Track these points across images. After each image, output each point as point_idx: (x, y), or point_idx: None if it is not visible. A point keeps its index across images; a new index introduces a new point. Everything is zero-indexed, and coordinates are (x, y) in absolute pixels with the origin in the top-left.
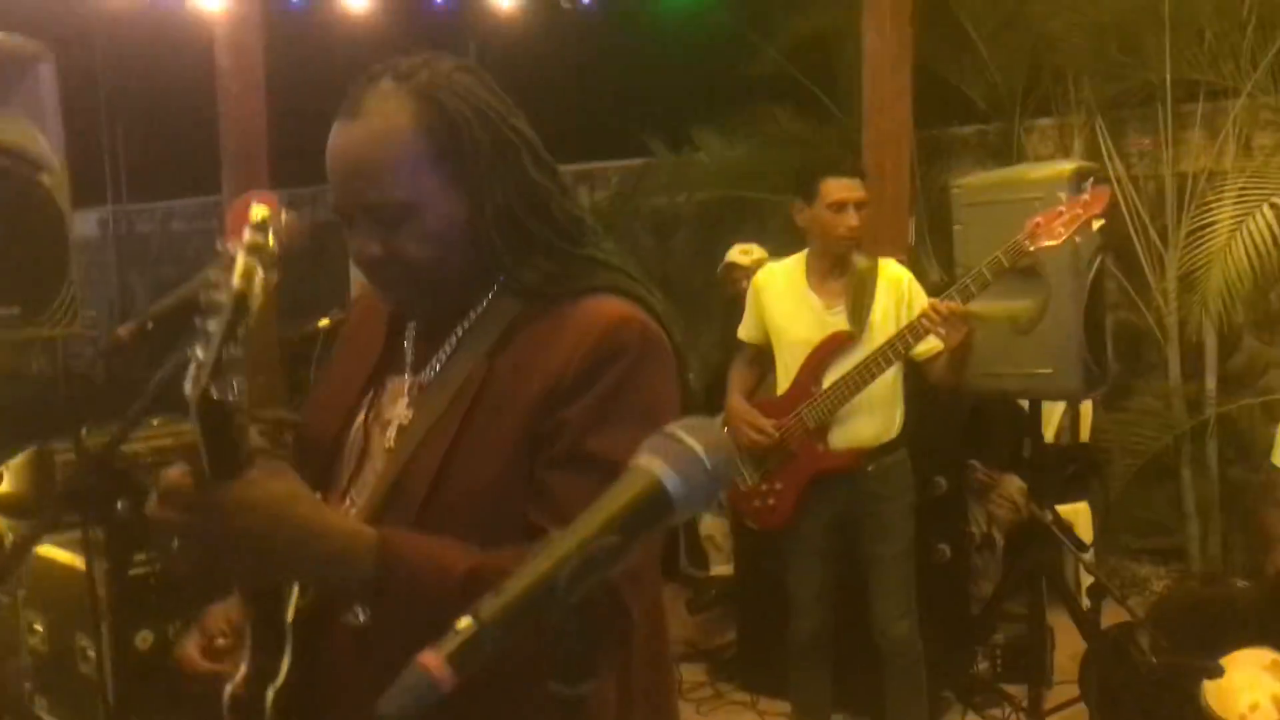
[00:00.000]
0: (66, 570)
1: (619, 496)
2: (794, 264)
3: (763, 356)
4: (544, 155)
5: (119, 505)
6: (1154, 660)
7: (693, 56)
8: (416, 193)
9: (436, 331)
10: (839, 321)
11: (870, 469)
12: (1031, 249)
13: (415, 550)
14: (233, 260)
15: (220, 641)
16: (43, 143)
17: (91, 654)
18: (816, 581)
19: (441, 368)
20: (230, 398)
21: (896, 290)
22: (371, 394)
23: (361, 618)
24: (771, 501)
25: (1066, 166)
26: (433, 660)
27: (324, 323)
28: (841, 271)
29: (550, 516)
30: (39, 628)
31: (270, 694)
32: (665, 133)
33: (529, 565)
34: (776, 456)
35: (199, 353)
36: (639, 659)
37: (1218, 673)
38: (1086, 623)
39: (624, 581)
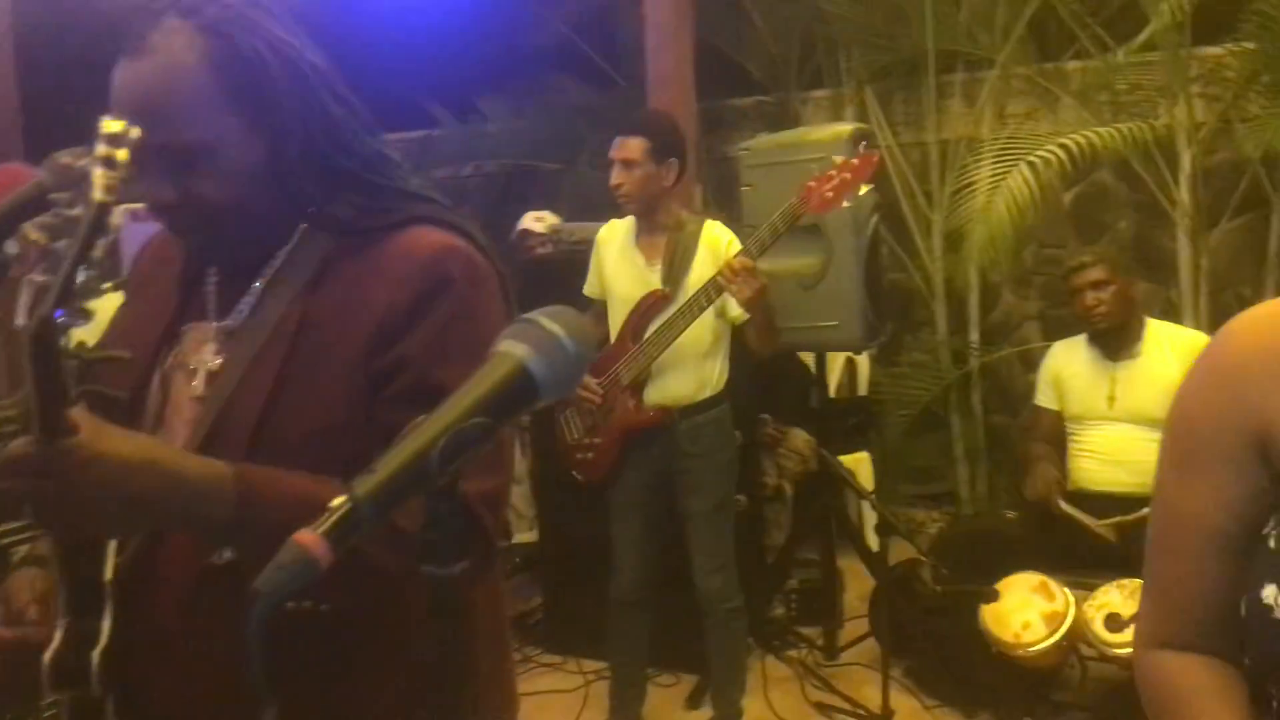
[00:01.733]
0: None
1: (485, 379)
2: (629, 222)
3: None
4: (343, 89)
5: None
6: (936, 590)
7: (477, 25)
8: (210, 131)
9: (241, 274)
10: (657, 280)
11: (682, 426)
12: (803, 212)
13: (276, 482)
14: (80, 175)
15: (31, 611)
16: None
17: None
18: (636, 535)
19: (251, 310)
20: (80, 326)
21: (715, 251)
22: (170, 344)
23: (226, 555)
24: (592, 455)
25: (845, 128)
26: (309, 537)
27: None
28: (663, 230)
29: None
30: None
31: (95, 656)
32: (450, 103)
33: (401, 444)
34: (600, 411)
35: (38, 276)
36: (482, 631)
37: (993, 597)
38: (875, 562)
39: (480, 505)
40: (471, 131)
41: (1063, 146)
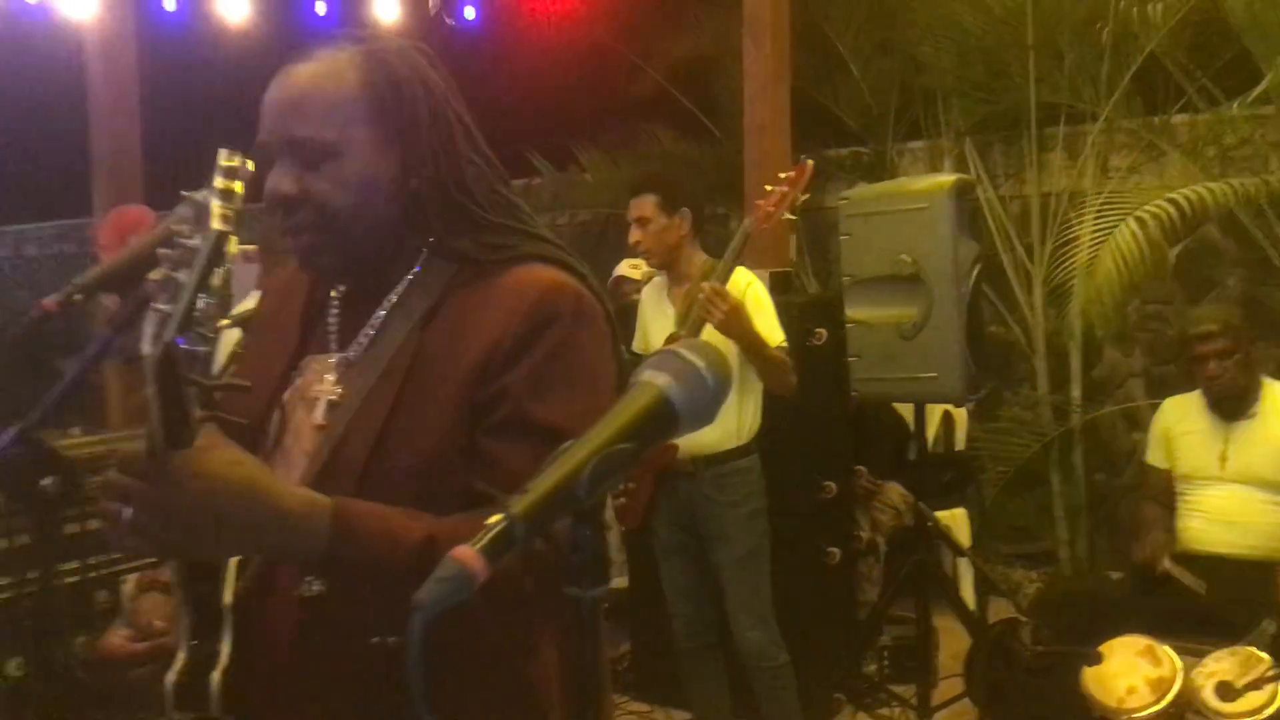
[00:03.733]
0: None
1: (629, 407)
2: (662, 276)
3: None
4: (479, 139)
5: (46, 482)
6: (1036, 650)
7: (576, 76)
8: (343, 136)
9: (361, 305)
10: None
11: (707, 474)
12: (754, 229)
13: (369, 517)
14: (200, 209)
15: (159, 628)
16: None
17: None
18: (680, 579)
19: (370, 341)
20: (202, 351)
21: (734, 293)
22: (292, 376)
23: (315, 588)
24: (626, 501)
25: (946, 179)
26: (467, 553)
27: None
28: (687, 279)
29: (497, 483)
30: None
31: (215, 678)
32: (550, 152)
33: (553, 468)
34: None
35: (163, 305)
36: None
37: (1096, 660)
38: (972, 620)
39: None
40: (569, 180)
41: (1171, 201)
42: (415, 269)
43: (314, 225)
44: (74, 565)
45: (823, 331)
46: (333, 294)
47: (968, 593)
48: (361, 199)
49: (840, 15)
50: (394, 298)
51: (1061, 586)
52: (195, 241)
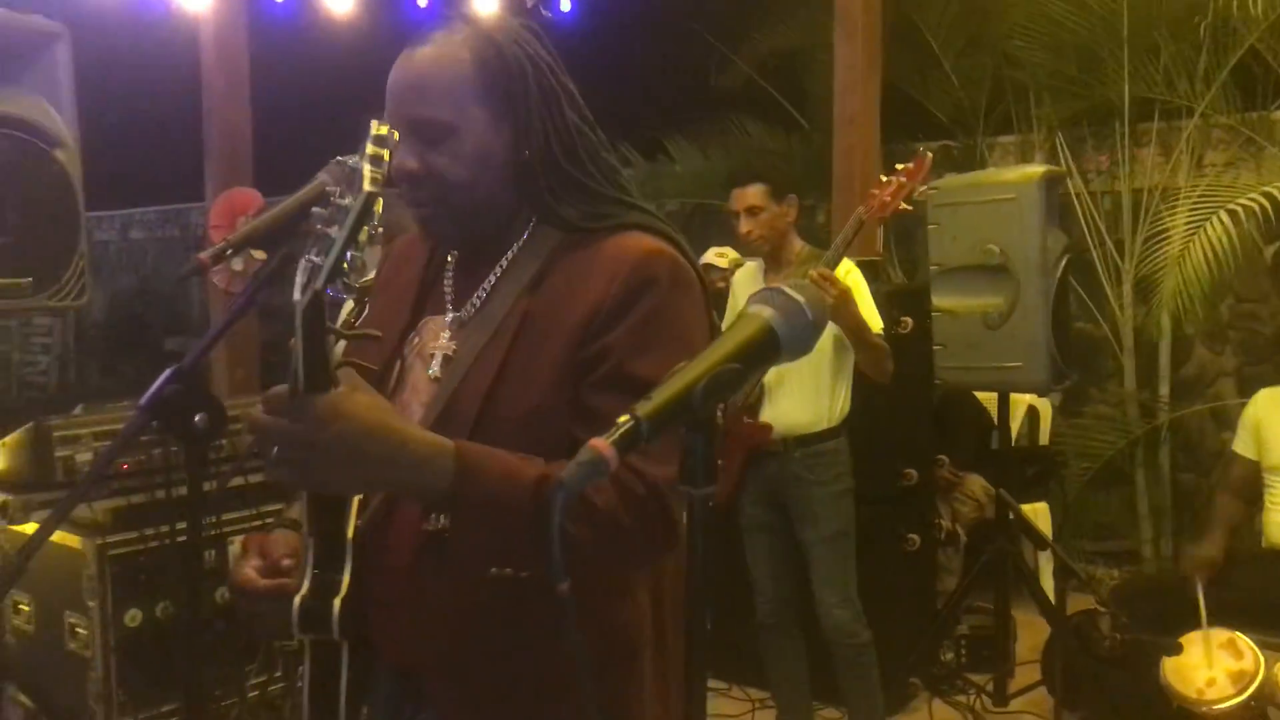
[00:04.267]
0: (56, 549)
1: (738, 334)
2: (758, 264)
3: None
4: (585, 110)
5: (198, 419)
6: (1116, 638)
7: (666, 67)
8: (460, 116)
9: (476, 267)
10: None
11: (797, 454)
12: (867, 218)
13: (488, 458)
14: (352, 171)
15: (285, 563)
16: (58, 120)
17: (81, 631)
18: (764, 557)
19: (482, 302)
20: (345, 298)
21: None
22: (411, 335)
23: (440, 522)
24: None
25: (1036, 169)
26: (602, 444)
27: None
28: (788, 266)
29: (598, 433)
30: (25, 607)
31: (336, 604)
32: (639, 143)
33: (672, 380)
34: (722, 435)
35: (314, 257)
36: (668, 601)
37: (1176, 650)
38: (1051, 609)
39: (667, 486)
40: (659, 170)
41: (1267, 195)
42: (524, 236)
43: (435, 198)
44: (183, 526)
45: (909, 320)
46: (448, 259)
47: (1047, 586)
48: (478, 173)
49: (932, 9)
50: (505, 263)
51: (1143, 578)
52: (347, 201)
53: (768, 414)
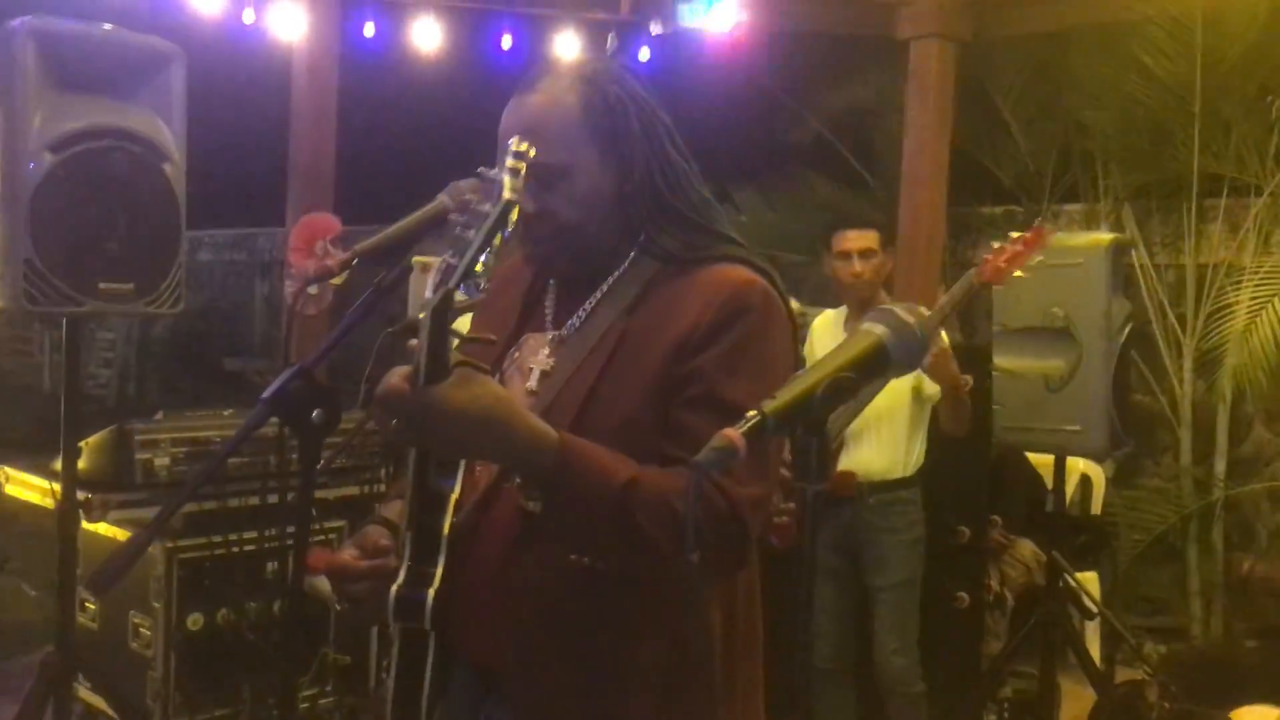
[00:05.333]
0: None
1: (853, 347)
2: (839, 312)
3: None
4: (683, 146)
5: (315, 415)
6: (1164, 707)
7: (737, 119)
8: (572, 158)
9: (576, 291)
10: None
11: (872, 501)
12: (979, 282)
13: (588, 452)
14: (492, 181)
15: (383, 543)
16: (168, 136)
17: (144, 631)
18: (830, 601)
19: (581, 323)
20: (476, 298)
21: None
22: (512, 349)
23: (534, 505)
24: (786, 519)
25: (1104, 236)
26: (733, 433)
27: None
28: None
29: (685, 449)
30: (91, 605)
31: (430, 594)
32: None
33: (795, 383)
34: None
35: (449, 258)
36: (740, 633)
37: None
38: (1098, 676)
39: (747, 505)
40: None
41: None
42: (624, 264)
43: (549, 237)
44: (252, 535)
45: (969, 378)
46: (550, 282)
47: (1095, 652)
48: (589, 211)
49: (1004, 75)
50: (605, 288)
51: (1194, 650)
52: (486, 208)
53: (846, 461)
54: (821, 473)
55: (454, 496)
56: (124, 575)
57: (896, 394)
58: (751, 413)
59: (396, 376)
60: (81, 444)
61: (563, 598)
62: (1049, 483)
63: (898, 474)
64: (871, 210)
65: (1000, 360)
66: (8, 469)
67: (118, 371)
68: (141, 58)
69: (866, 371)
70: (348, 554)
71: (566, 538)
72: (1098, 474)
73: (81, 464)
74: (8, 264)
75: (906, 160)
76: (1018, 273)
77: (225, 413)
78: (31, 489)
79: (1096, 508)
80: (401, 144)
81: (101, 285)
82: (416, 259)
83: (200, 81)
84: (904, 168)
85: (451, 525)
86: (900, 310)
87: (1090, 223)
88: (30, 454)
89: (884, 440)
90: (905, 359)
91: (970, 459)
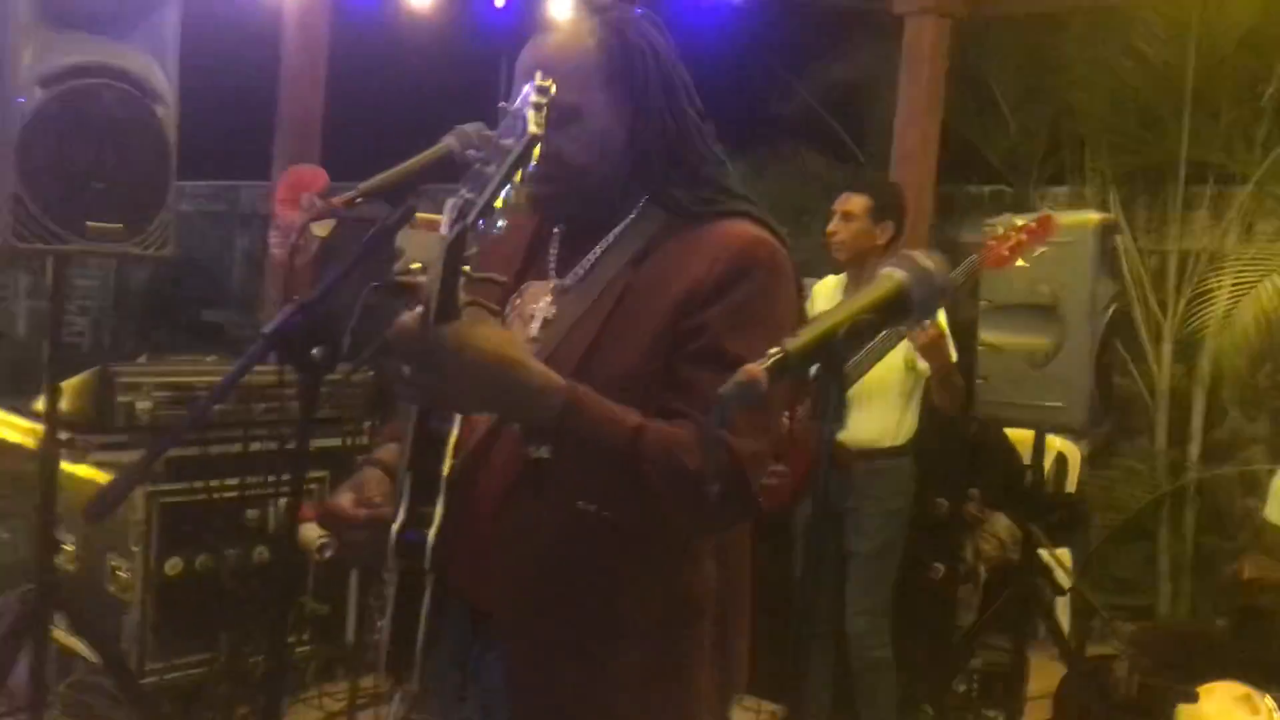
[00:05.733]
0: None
1: (875, 291)
2: (840, 278)
3: None
4: (698, 103)
5: (315, 352)
6: (1133, 680)
7: (727, 88)
8: (584, 99)
9: (581, 239)
10: None
11: (859, 469)
12: (980, 267)
13: (594, 399)
14: (515, 115)
15: (378, 498)
16: (161, 77)
17: (122, 575)
18: (821, 571)
19: (585, 272)
20: (492, 235)
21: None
22: (514, 296)
23: (542, 452)
24: (774, 482)
25: (1093, 216)
26: (755, 368)
27: (416, 265)
28: (865, 285)
29: (692, 404)
30: (68, 547)
31: (431, 534)
32: None
33: (818, 323)
34: (786, 441)
35: (467, 193)
36: (733, 573)
37: (1192, 698)
38: (1068, 648)
39: (749, 461)
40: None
41: None
42: (631, 215)
43: (555, 177)
44: (234, 483)
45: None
46: (554, 230)
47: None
48: (598, 155)
49: (996, 54)
50: (610, 238)
51: (1163, 626)
52: (508, 142)
53: None
54: (839, 415)
55: (453, 438)
56: (119, 504)
57: (888, 364)
58: (774, 350)
59: (407, 317)
60: (62, 385)
61: (561, 543)
62: (1025, 458)
63: (886, 443)
64: (879, 181)
65: (985, 335)
66: None
67: (94, 320)
68: None
69: (887, 315)
70: (346, 500)
71: (573, 485)
72: (1073, 452)
73: (63, 405)
74: None
75: (897, 136)
76: (1020, 261)
77: (208, 359)
78: (12, 428)
79: (1071, 486)
80: (390, 99)
81: (89, 224)
82: (420, 215)
83: (188, 30)
84: (894, 143)
85: (451, 467)
86: (920, 257)
87: (1076, 205)
88: (6, 397)
89: (874, 409)
90: (925, 304)
91: (950, 432)
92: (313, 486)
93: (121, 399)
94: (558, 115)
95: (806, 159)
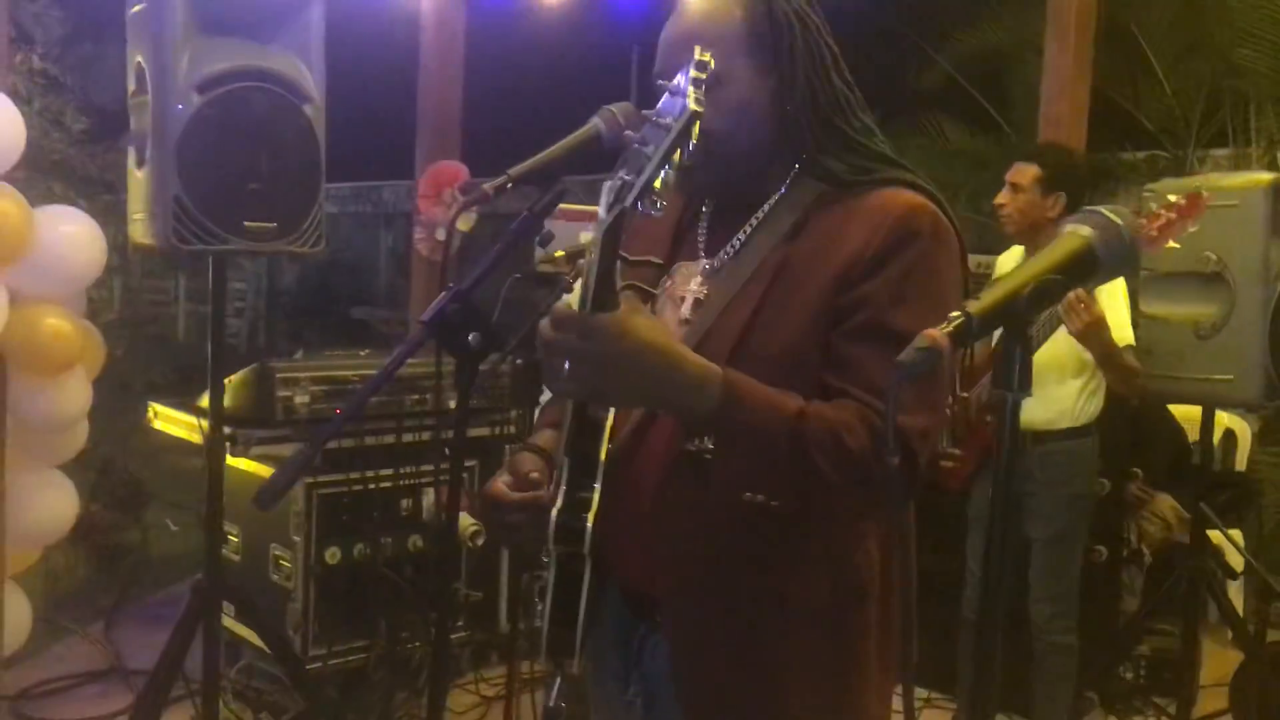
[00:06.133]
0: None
1: (1059, 250)
2: (1021, 250)
3: None
4: (847, 73)
5: (471, 338)
6: None
7: (863, 63)
8: (726, 66)
9: (731, 218)
10: None
11: (1034, 451)
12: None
13: (753, 387)
14: (674, 92)
15: (534, 476)
16: (309, 78)
17: (285, 564)
18: (985, 549)
19: (737, 250)
20: (655, 214)
21: (1098, 305)
22: (664, 280)
23: (702, 444)
24: (952, 465)
25: (1263, 176)
26: (937, 334)
27: (559, 254)
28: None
29: (853, 382)
30: (234, 537)
31: (589, 519)
32: None
33: (1000, 285)
34: (962, 424)
35: (625, 175)
36: (896, 556)
37: None
38: (1246, 635)
39: (915, 435)
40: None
41: None
42: (783, 188)
43: (699, 147)
44: (389, 473)
45: None
46: (703, 209)
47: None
48: (739, 123)
49: (1150, 11)
50: (762, 213)
51: None
52: (668, 120)
53: None
54: (1024, 381)
55: (609, 423)
56: (288, 491)
57: (1061, 343)
58: (955, 313)
59: (562, 305)
60: (225, 381)
61: (724, 529)
62: (1192, 436)
63: (1064, 424)
64: (1051, 150)
65: (1146, 307)
66: (157, 405)
67: (249, 321)
68: (282, 1)
69: (1074, 274)
70: (502, 483)
71: (737, 476)
72: (1243, 428)
73: (225, 401)
74: (158, 203)
75: (1044, 104)
76: (1172, 243)
77: (361, 353)
78: (179, 424)
79: (1241, 464)
80: (526, 93)
81: (246, 224)
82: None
83: (329, 33)
84: (1041, 112)
85: (608, 452)
86: (1107, 211)
87: (1240, 168)
88: (172, 395)
89: (1048, 390)
90: (1114, 260)
91: (1112, 410)
92: (463, 475)
93: (281, 394)
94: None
95: (949, 131)
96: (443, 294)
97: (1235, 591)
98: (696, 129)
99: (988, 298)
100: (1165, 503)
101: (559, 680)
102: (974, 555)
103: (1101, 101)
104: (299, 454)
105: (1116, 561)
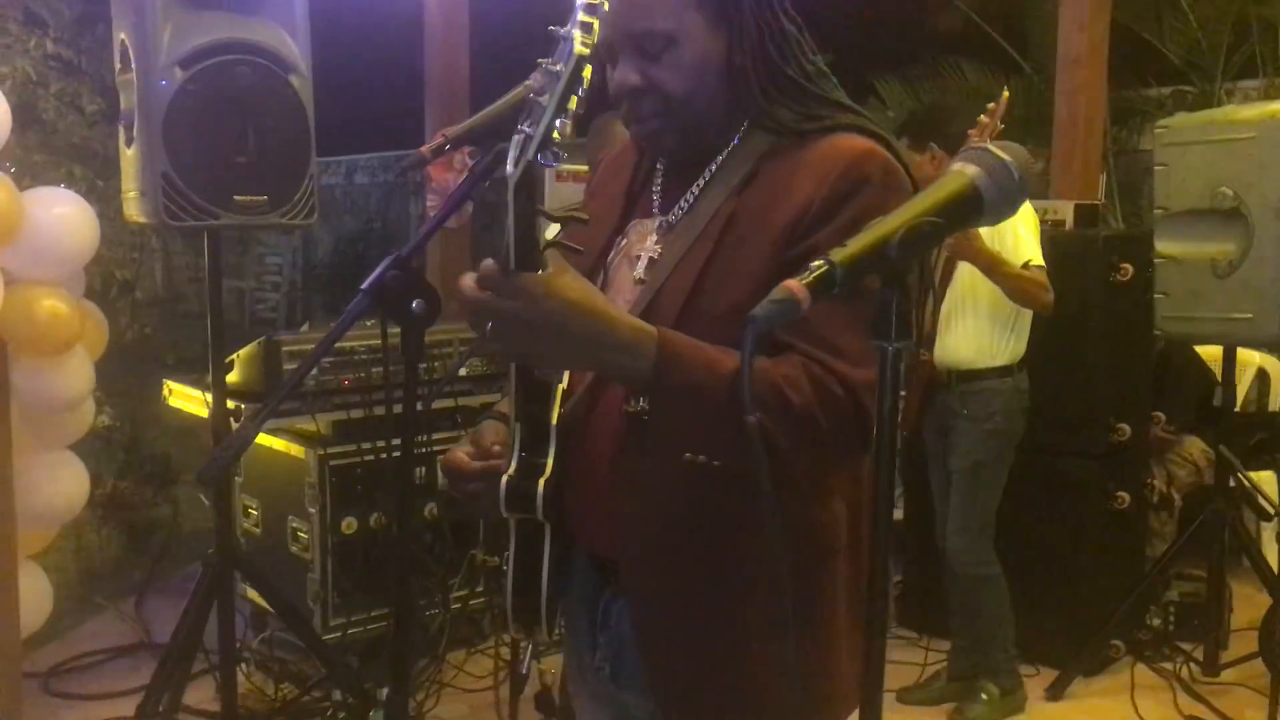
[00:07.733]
0: (282, 457)
1: (940, 190)
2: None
3: None
4: (794, 14)
5: (415, 305)
6: None
7: (877, 6)
8: (679, 25)
9: (685, 173)
10: None
11: (956, 390)
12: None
13: (690, 346)
14: (562, 39)
15: (495, 448)
16: (294, 49)
17: (302, 535)
18: (938, 484)
19: (690, 206)
20: (555, 166)
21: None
22: (619, 239)
23: (640, 405)
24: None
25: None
26: (795, 285)
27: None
28: None
29: (800, 335)
30: (254, 511)
31: (541, 484)
32: (847, 84)
33: (869, 230)
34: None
35: (525, 127)
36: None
37: None
38: (1274, 580)
39: (865, 389)
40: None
41: None
42: (734, 140)
43: (658, 111)
44: (398, 442)
45: (1128, 267)
46: (657, 166)
47: (1269, 559)
48: (698, 82)
49: None
50: (714, 167)
51: None
52: (558, 67)
53: (936, 349)
54: (901, 331)
55: (561, 386)
56: (229, 466)
57: (980, 280)
58: (817, 263)
59: (485, 266)
60: (233, 356)
61: (677, 492)
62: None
63: (983, 363)
64: (912, 118)
65: (1163, 246)
66: (171, 383)
67: (285, 294)
68: None
69: (955, 216)
70: (462, 452)
71: (677, 437)
72: (1276, 367)
73: (234, 376)
74: (148, 180)
75: (1062, 40)
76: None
77: (368, 323)
78: (191, 400)
79: (1275, 403)
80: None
81: (236, 198)
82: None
83: (340, 12)
84: (1060, 48)
85: (560, 416)
86: (995, 149)
87: (1272, 99)
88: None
89: (968, 328)
90: (1002, 203)
91: (1130, 352)
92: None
93: (288, 367)
94: (652, 46)
95: (968, 73)
96: (385, 261)
97: (1270, 535)
98: (588, 72)
99: (854, 244)
100: (1194, 445)
101: (530, 648)
102: (938, 495)
103: (1124, 36)
104: (240, 431)
105: (1143, 507)
